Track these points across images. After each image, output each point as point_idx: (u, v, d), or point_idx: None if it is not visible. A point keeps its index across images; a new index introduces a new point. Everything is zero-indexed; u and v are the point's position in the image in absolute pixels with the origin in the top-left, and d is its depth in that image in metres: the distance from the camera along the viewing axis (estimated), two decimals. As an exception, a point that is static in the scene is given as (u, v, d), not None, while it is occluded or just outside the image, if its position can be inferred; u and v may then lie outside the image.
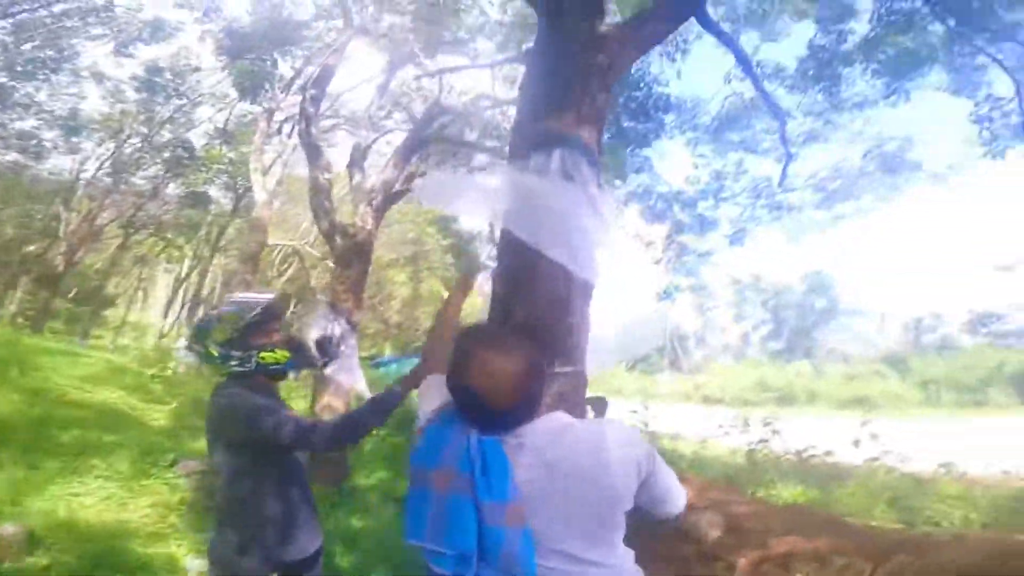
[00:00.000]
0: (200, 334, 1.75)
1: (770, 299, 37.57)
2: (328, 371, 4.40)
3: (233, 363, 1.71)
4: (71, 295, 18.90)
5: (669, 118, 7.62)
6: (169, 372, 9.41)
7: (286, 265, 17.01)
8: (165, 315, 20.83)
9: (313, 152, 5.19)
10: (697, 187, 9.00)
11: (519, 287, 1.63)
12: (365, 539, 3.71)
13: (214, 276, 18.77)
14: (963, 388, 24.32)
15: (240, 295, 1.85)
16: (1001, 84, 6.12)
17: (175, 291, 21.06)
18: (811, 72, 6.99)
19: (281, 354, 1.77)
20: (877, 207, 10.26)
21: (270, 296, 1.82)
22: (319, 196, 5.00)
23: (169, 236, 16.84)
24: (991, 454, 5.46)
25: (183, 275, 20.36)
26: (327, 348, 1.72)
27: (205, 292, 18.68)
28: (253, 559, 1.71)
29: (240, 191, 14.68)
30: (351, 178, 5.49)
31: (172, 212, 16.26)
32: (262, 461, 1.73)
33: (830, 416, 16.91)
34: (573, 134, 1.79)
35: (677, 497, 1.23)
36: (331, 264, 15.53)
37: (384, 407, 1.67)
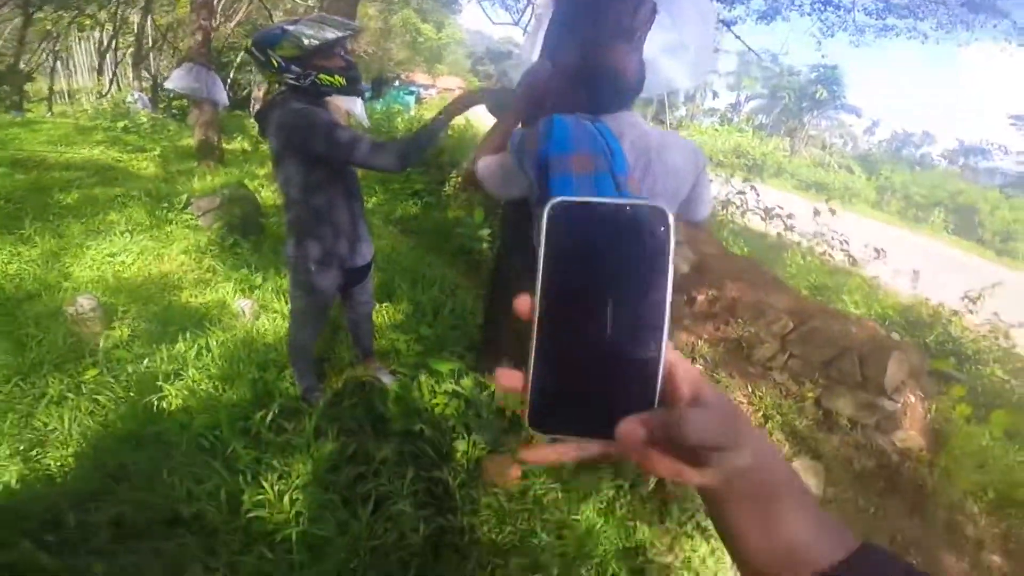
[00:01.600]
0: (265, 43, 1.77)
1: (773, 78, 34.98)
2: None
3: (290, 76, 1.77)
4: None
5: None
6: (144, 121, 9.05)
7: (233, 11, 15.33)
8: (98, 78, 19.44)
9: None
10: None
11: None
12: (378, 259, 4.02)
13: (160, 32, 16.77)
14: (912, 203, 24.95)
15: (327, 16, 1.87)
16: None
17: (103, 55, 19.29)
18: None
19: (338, 79, 1.81)
20: (930, 34, 8.68)
21: (348, 27, 1.84)
22: None
23: (77, 6, 14.63)
24: (907, 269, 5.90)
25: (106, 42, 18.52)
26: (379, 88, 1.87)
27: (147, 47, 16.97)
28: (331, 268, 2.01)
29: None
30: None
31: None
32: (334, 175, 1.89)
33: (788, 192, 17.90)
34: None
35: (708, 203, 1.55)
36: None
37: (436, 131, 1.79)
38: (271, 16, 14.13)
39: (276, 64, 1.76)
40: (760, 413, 3.10)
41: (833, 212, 6.52)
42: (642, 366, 0.33)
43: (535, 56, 2.10)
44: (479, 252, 4.47)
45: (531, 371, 0.34)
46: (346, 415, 2.31)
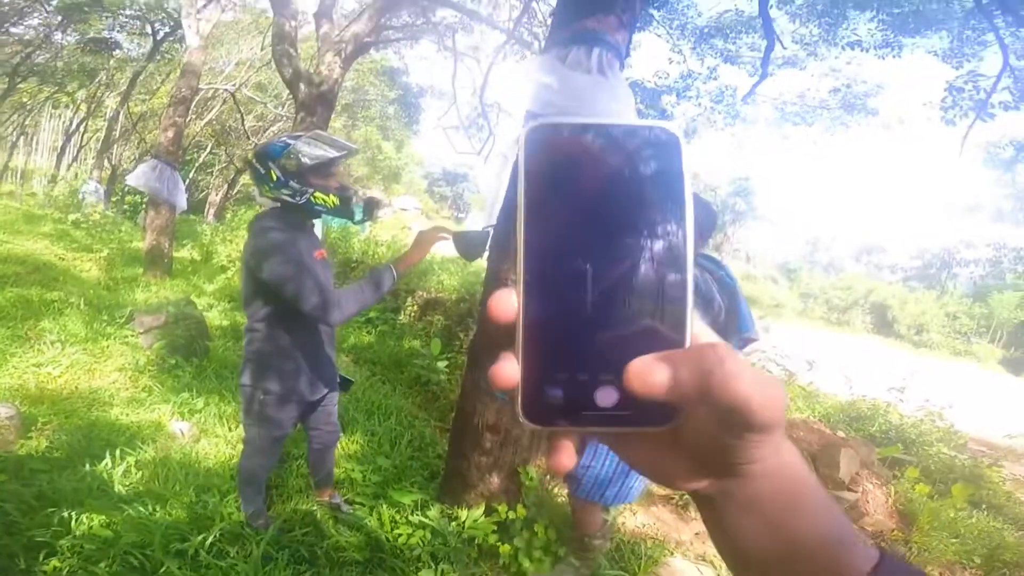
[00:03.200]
0: (268, 156, 1.73)
1: (698, 191, 40.05)
2: None
3: (286, 192, 1.73)
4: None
5: (658, 14, 7.41)
6: (96, 216, 8.88)
7: (205, 109, 16.18)
8: (58, 161, 19.48)
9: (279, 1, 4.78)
10: (665, 81, 9.09)
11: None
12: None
13: (130, 121, 17.31)
14: (833, 307, 28.24)
15: (326, 135, 1.84)
16: (989, 65, 6.35)
17: (69, 137, 19.55)
18: (819, 6, 7.00)
19: (332, 199, 1.78)
20: (823, 138, 10.81)
21: (347, 147, 1.84)
22: (283, 43, 4.80)
23: (59, 83, 15.38)
24: (840, 370, 6.45)
25: (78, 122, 19.05)
26: (371, 209, 1.84)
27: (116, 134, 17.35)
28: (289, 403, 1.86)
29: (158, 36, 13.27)
30: (318, 27, 5.22)
31: (65, 59, 14.64)
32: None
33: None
34: (611, 36, 1.94)
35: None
36: (271, 109, 15.14)
37: (383, 288, 1.72)
38: (243, 118, 14.85)
39: (275, 178, 1.71)
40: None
41: (767, 330, 6.91)
42: (662, 325, 0.26)
43: (500, 194, 2.34)
44: (438, 383, 4.42)
45: (521, 351, 0.27)
46: (298, 542, 2.07)
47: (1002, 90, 5.77)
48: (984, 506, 3.97)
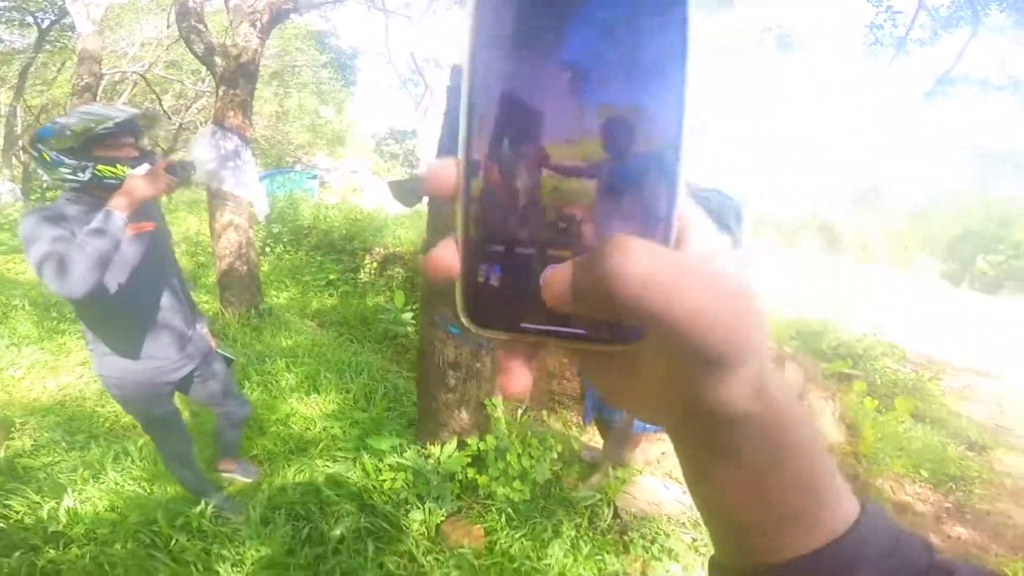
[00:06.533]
0: (39, 139, 1.60)
1: None
2: (226, 187, 4.34)
3: (65, 171, 1.57)
4: None
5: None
6: (16, 216, 8.40)
7: (114, 93, 15.11)
8: None
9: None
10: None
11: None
12: (299, 353, 3.95)
13: (31, 114, 15.89)
14: (783, 230, 29.75)
15: (92, 106, 1.67)
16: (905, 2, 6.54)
17: None
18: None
19: (121, 169, 1.59)
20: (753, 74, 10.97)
21: (127, 112, 1.65)
22: (189, 19, 4.50)
23: None
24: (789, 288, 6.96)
25: None
26: (177, 170, 1.54)
27: (18, 129, 16.01)
28: (152, 390, 1.83)
29: (43, 25, 12.20)
30: (226, -1, 4.84)
31: None
32: (104, 288, 1.60)
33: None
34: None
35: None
36: (188, 86, 14.19)
37: (109, 229, 1.49)
38: (159, 100, 13.92)
39: (48, 159, 1.56)
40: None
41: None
42: (643, 214, 0.22)
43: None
44: (405, 335, 4.58)
45: (464, 233, 0.23)
46: (292, 502, 2.27)
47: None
48: (928, 420, 4.19)
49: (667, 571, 2.22)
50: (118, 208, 1.49)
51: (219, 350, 2.18)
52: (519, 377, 0.24)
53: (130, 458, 2.55)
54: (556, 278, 0.21)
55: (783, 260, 17.10)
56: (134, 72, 12.77)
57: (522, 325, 0.23)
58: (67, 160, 1.56)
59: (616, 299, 0.19)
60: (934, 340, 7.55)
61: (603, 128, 0.21)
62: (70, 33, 11.59)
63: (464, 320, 0.24)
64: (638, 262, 0.19)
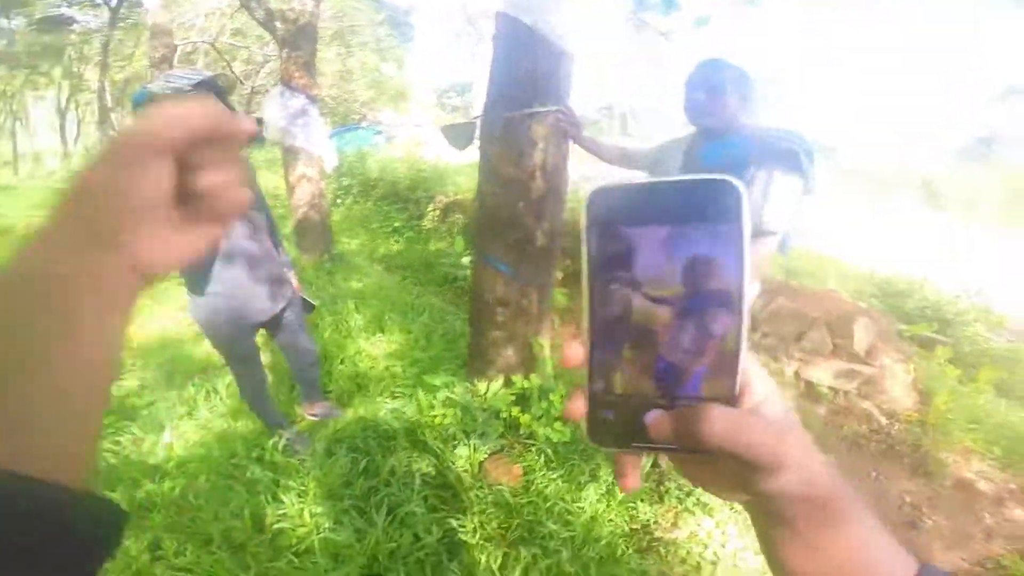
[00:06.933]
0: (136, 103, 1.77)
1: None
2: (296, 143, 4.56)
3: None
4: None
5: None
6: None
7: (189, 63, 15.95)
8: (62, 139, 19.86)
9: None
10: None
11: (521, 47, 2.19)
12: (366, 295, 4.19)
13: (117, 88, 17.17)
14: (877, 182, 26.02)
15: (175, 71, 1.81)
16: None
17: (63, 116, 19.68)
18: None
19: None
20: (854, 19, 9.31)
21: (206, 74, 1.79)
22: None
23: (32, 65, 15.18)
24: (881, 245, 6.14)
25: (65, 100, 19.04)
26: (259, 121, 1.60)
27: (109, 103, 17.43)
28: (237, 331, 2.05)
29: (111, 3, 12.88)
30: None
31: (22, 43, 14.38)
32: None
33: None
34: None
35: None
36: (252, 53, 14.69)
37: None
38: (230, 67, 14.60)
39: None
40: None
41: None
42: (717, 366, 0.30)
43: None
44: (464, 279, 4.68)
45: (588, 383, 0.32)
46: (353, 436, 2.45)
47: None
48: (1014, 395, 3.70)
49: (699, 524, 2.20)
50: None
51: (302, 295, 2.36)
52: (632, 477, 0.35)
53: (219, 395, 2.87)
54: (661, 424, 0.31)
55: (875, 213, 15.27)
56: (203, 42, 13.42)
57: (632, 444, 0.32)
58: None
59: (702, 445, 0.28)
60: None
61: (687, 320, 0.30)
62: (138, 9, 12.30)
63: (589, 440, 0.33)
64: (717, 425, 0.28)
